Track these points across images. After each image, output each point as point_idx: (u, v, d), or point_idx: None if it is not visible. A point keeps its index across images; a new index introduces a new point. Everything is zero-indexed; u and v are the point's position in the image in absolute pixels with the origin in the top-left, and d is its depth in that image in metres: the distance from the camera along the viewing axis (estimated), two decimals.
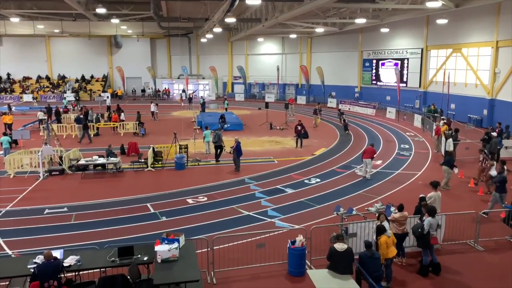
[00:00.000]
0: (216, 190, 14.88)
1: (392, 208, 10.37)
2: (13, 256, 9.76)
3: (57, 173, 16.90)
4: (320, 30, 34.82)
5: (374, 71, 39.79)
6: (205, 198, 13.96)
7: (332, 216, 11.52)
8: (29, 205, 13.38)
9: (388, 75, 38.24)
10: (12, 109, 33.71)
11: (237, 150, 17.38)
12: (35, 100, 42.54)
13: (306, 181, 15.88)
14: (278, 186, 15.16)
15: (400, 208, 9.59)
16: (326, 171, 17.32)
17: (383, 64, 38.89)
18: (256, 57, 49.60)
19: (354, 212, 10.84)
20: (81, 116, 25.95)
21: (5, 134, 20.16)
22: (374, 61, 39.58)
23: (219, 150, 18.76)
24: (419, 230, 9.14)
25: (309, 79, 44.68)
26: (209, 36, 42.16)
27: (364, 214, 10.77)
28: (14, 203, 13.59)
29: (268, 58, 48.83)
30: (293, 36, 42.83)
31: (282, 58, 47.79)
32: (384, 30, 34.95)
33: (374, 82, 39.98)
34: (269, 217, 12.19)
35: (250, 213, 12.50)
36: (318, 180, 15.99)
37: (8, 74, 49.32)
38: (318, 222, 11.60)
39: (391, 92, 37.47)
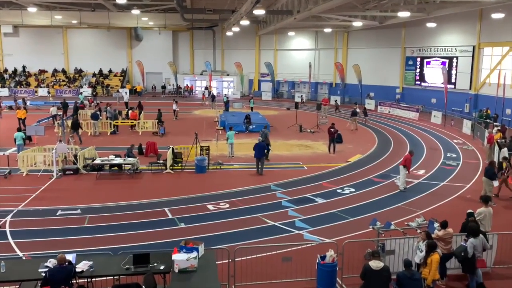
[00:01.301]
0: (239, 196, 14.96)
1: (436, 224, 10.11)
2: (23, 258, 10.13)
3: (71, 172, 17.44)
4: (358, 24, 34.47)
5: (418, 70, 39.05)
6: (227, 205, 14.06)
7: (368, 230, 11.39)
8: (42, 205, 13.86)
9: (434, 75, 37.40)
10: (27, 104, 35.02)
11: (256, 149, 17.48)
12: (50, 95, 43.97)
13: (338, 190, 15.75)
14: (307, 195, 15.12)
15: (444, 225, 9.32)
16: (361, 180, 17.14)
17: (428, 63, 38.09)
18: (286, 52, 49.58)
19: (392, 227, 10.66)
20: (98, 113, 26.65)
21: (19, 129, 20.95)
22: (418, 59, 38.85)
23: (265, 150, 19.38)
24: (462, 254, 8.86)
25: (345, 77, 44.28)
26: (236, 29, 42.50)
27: (404, 230, 10.58)
28: (26, 202, 14.11)
29: (299, 54, 48.72)
30: (327, 30, 42.57)
31: (315, 54, 47.57)
32: (431, 25, 34.20)
33: (417, 82, 39.25)
34: (297, 229, 12.15)
35: (276, 223, 12.50)
36: (352, 190, 15.83)
37: (24, 67, 51.34)
38: (351, 236, 11.48)
39: (437, 94, 36.60)
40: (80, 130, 23.59)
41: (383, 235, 10.22)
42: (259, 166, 17.78)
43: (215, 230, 12.03)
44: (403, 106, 36.79)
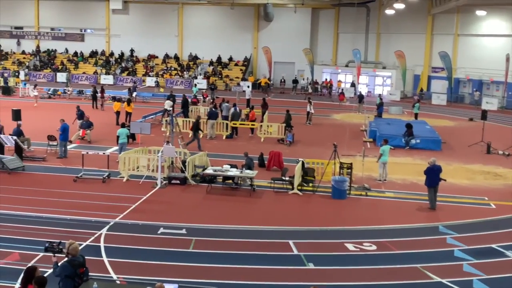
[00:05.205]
0: (391, 236, 14.71)
1: None
2: (118, 282, 11.23)
3: (178, 182, 18.84)
4: None
5: None
6: (374, 247, 13.90)
7: None
8: (142, 219, 15.23)
9: None
10: (133, 95, 38.88)
11: (429, 175, 17.05)
12: (159, 88, 47.66)
13: None
14: (493, 245, 14.30)
15: None
16: None
17: None
18: (472, 39, 47.91)
19: None
20: (214, 110, 28.39)
21: (123, 125, 23.37)
22: None
23: None
24: None
25: None
26: (399, 5, 41.81)
27: None
28: (124, 214, 15.65)
29: (491, 42, 46.74)
30: None
31: None
32: None
33: None
34: None
35: (443, 280, 12.03)
36: None
37: (132, 50, 57.48)
38: None
39: None
40: (200, 133, 25.40)
41: None
42: (430, 197, 17.27)
43: (355, 278, 11.95)
44: None
